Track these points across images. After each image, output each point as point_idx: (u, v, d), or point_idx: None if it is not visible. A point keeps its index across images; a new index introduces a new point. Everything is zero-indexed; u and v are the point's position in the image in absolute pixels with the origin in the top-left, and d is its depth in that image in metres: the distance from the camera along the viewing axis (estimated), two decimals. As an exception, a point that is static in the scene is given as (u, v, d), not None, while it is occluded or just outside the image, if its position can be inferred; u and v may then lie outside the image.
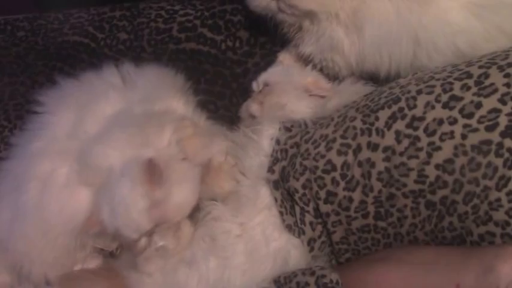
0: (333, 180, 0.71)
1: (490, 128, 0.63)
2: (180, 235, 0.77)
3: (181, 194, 0.74)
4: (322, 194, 0.72)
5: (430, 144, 0.66)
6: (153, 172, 0.72)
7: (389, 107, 0.70)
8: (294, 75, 0.91)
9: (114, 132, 0.77)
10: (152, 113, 0.80)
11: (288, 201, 0.75)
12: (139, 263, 0.77)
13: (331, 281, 0.65)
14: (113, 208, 0.72)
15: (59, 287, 0.80)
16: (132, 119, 0.78)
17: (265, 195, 0.76)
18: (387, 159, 0.68)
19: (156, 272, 0.77)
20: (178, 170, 0.75)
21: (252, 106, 0.89)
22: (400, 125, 0.68)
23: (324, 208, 0.72)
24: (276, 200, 0.76)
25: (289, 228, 0.75)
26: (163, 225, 0.74)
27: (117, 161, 0.74)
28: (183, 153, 0.77)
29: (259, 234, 0.75)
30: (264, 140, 0.79)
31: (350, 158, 0.71)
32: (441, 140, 0.65)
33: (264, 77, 0.92)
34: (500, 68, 0.67)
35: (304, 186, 0.73)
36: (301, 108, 0.85)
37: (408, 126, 0.68)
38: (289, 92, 0.87)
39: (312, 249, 0.74)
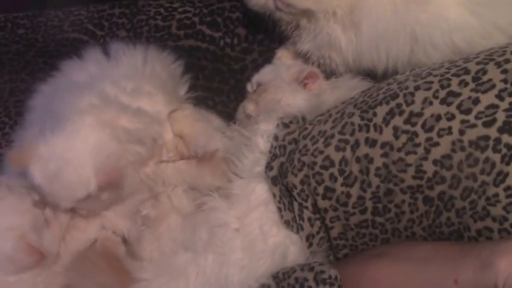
0: (331, 176, 0.71)
1: (487, 124, 0.63)
2: (159, 205, 0.82)
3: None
4: (321, 189, 0.72)
5: (428, 140, 0.66)
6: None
7: (387, 103, 0.70)
8: (283, 71, 0.92)
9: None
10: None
11: (287, 197, 0.75)
12: (135, 249, 0.80)
13: (330, 276, 0.65)
14: (62, 152, 0.72)
15: (71, 269, 0.81)
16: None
17: (261, 192, 0.76)
18: (385, 155, 0.68)
19: (154, 255, 0.79)
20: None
21: (248, 107, 0.90)
22: (398, 120, 0.68)
23: (322, 204, 0.72)
24: (274, 195, 0.76)
25: (287, 224, 0.75)
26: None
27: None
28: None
29: (256, 230, 0.75)
30: (258, 137, 0.79)
31: (348, 153, 0.71)
32: (439, 135, 0.65)
33: (256, 77, 0.93)
34: (498, 64, 0.67)
35: (302, 182, 0.73)
36: (297, 101, 0.85)
37: (406, 122, 0.68)
38: (283, 87, 0.88)
39: (310, 245, 0.74)
